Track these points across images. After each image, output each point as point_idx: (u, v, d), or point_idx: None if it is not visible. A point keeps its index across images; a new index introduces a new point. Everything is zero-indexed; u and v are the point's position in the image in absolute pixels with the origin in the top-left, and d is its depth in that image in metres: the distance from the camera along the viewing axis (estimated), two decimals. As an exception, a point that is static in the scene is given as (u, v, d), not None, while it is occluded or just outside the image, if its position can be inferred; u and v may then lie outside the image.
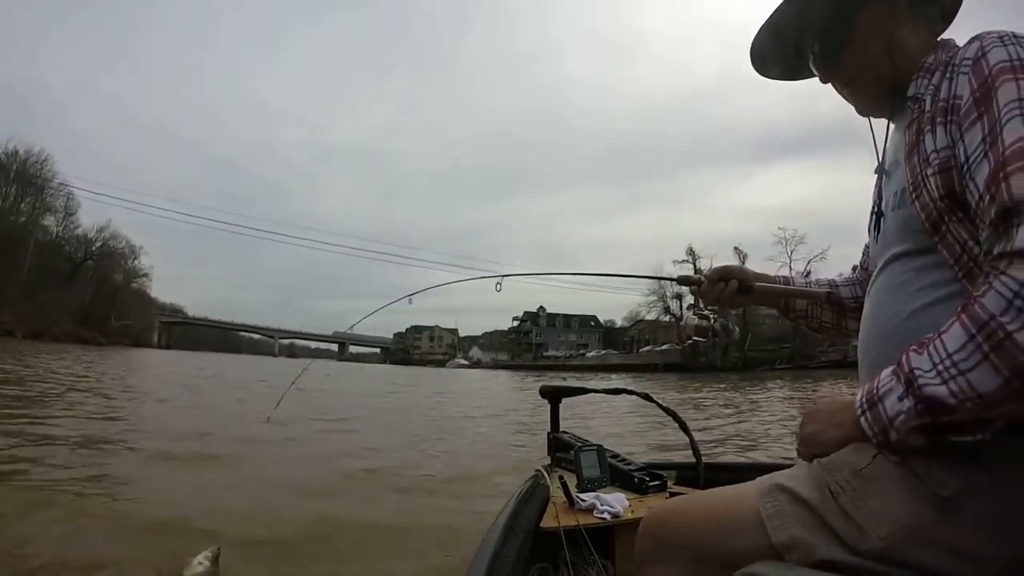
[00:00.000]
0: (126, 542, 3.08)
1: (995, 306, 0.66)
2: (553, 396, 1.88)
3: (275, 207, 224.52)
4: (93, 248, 70.13)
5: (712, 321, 1.37)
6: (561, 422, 1.90)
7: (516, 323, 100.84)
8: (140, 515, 3.58)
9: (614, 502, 1.42)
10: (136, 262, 77.58)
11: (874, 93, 0.99)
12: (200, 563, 2.62)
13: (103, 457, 5.20)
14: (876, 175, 1.07)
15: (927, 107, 0.87)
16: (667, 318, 61.06)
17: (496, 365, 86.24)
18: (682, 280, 1.33)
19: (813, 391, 18.04)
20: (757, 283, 1.24)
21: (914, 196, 0.86)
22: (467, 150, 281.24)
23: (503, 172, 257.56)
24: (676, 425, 1.72)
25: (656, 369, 48.10)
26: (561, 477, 1.50)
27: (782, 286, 1.27)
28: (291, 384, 1.90)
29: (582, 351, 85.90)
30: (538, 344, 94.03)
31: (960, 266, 0.81)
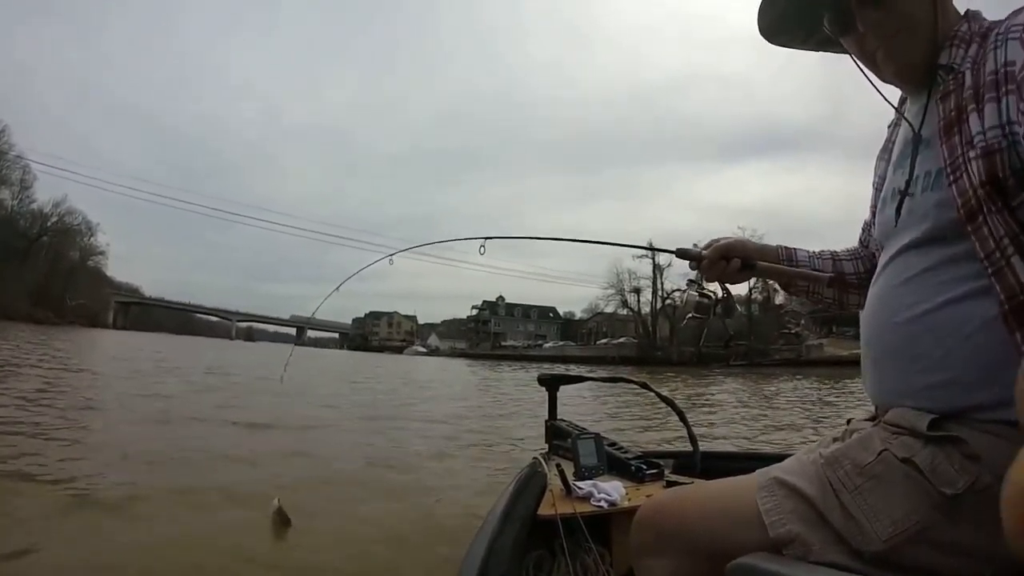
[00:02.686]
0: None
1: None
2: (551, 384, 1.84)
3: (235, 189, 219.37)
4: (48, 224, 67.53)
5: (712, 299, 1.28)
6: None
7: (475, 312, 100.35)
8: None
9: (611, 490, 1.41)
10: (92, 239, 75.17)
11: (915, 54, 0.87)
12: (273, 516, 3.26)
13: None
14: (887, 151, 1.02)
15: (967, 81, 0.79)
16: (624, 311, 61.40)
17: (454, 353, 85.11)
18: (681, 254, 1.25)
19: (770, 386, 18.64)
20: (760, 262, 1.18)
21: (952, 179, 0.79)
22: (427, 133, 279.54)
23: (464, 156, 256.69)
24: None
25: (612, 362, 48.44)
26: (558, 465, 1.48)
27: (785, 267, 1.20)
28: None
29: (540, 342, 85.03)
30: (496, 333, 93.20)
31: (991, 263, 0.74)
